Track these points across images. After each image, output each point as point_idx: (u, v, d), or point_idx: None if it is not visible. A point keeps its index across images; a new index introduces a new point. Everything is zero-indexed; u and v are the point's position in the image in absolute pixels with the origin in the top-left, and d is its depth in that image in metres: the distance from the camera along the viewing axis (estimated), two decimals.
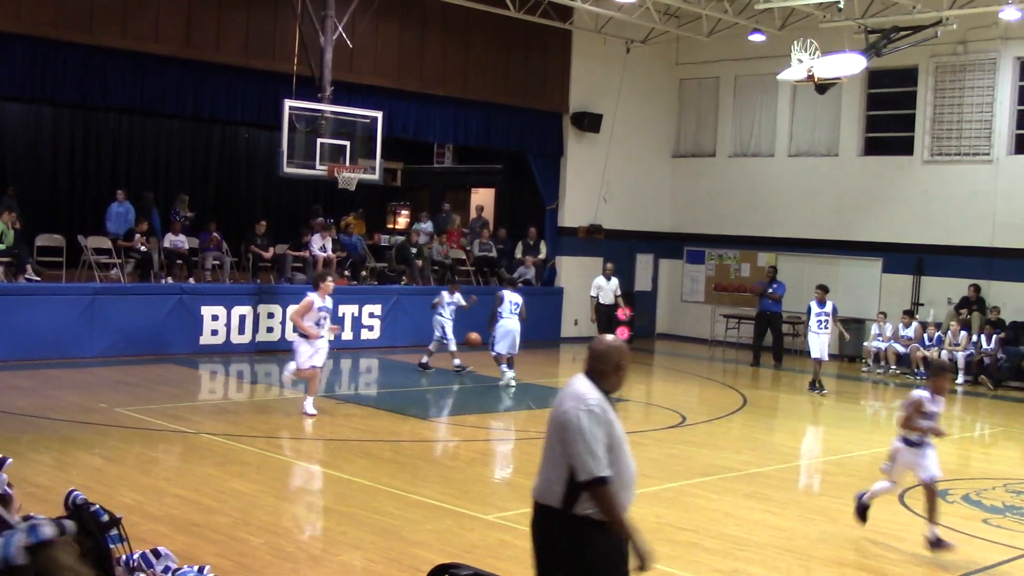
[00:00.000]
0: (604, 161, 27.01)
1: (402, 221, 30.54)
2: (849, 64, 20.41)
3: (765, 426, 16.57)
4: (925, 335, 23.16)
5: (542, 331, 25.54)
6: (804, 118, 26.91)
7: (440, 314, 19.70)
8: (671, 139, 29.10)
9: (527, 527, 9.66)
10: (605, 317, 22.86)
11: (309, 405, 14.49)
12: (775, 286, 23.90)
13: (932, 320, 23.61)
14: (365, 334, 22.60)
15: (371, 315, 22.71)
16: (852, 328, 24.85)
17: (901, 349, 23.42)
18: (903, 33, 21.56)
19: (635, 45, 26.85)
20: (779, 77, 21.15)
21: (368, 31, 22.06)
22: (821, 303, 19.65)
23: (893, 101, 25.72)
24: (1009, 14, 21.40)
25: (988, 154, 23.82)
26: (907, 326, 23.55)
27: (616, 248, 27.46)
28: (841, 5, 20.99)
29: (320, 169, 20.12)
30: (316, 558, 8.50)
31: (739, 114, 28.11)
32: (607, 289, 22.93)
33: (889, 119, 25.85)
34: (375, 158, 20.84)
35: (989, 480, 12.95)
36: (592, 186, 26.98)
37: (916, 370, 22.81)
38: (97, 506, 2.87)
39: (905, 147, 25.18)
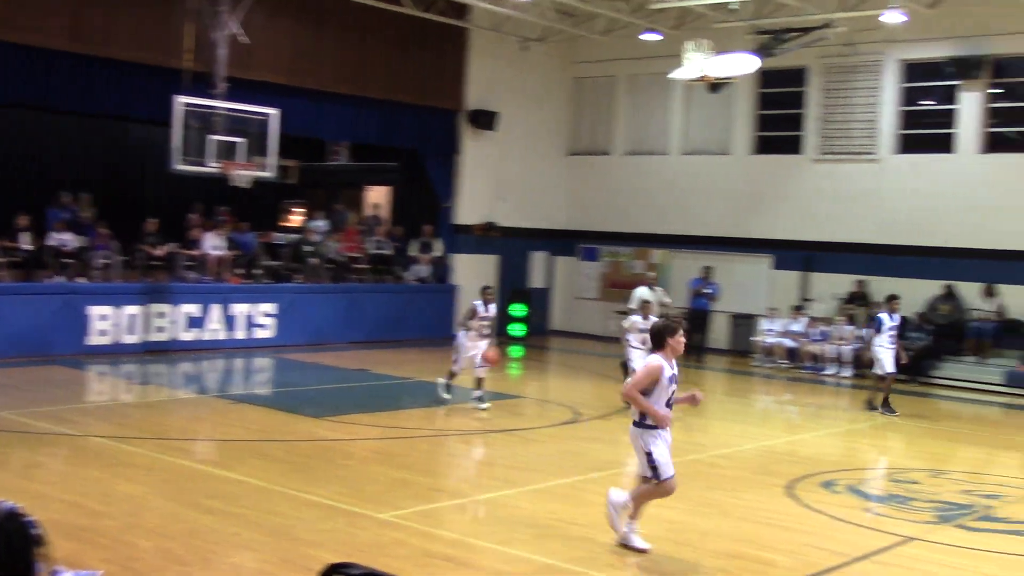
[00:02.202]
0: (500, 159, 27.10)
1: (297, 219, 30.19)
2: (741, 64, 20.77)
3: None
4: (813, 330, 23.71)
5: (437, 328, 25.57)
6: (697, 117, 27.31)
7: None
8: (567, 137, 29.29)
9: (422, 525, 9.70)
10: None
11: (637, 537, 9.22)
12: (711, 286, 24.19)
13: (820, 315, 24.16)
14: (259, 333, 22.35)
15: (265, 314, 22.47)
16: (742, 324, 25.34)
17: (790, 344, 23.92)
18: (793, 34, 22.01)
19: (531, 43, 26.95)
20: (673, 76, 21.42)
21: (263, 27, 21.79)
22: (893, 315, 18.19)
23: (783, 101, 26.24)
24: (891, 17, 21.98)
25: (874, 153, 24.46)
26: (796, 321, 24.09)
27: (511, 246, 27.58)
28: (734, 6, 21.36)
29: (214, 166, 19.83)
30: (207, 560, 8.39)
31: (634, 112, 28.42)
32: (653, 301, 20.21)
33: (779, 118, 26.36)
34: (270, 155, 20.60)
35: (873, 470, 13.30)
36: (488, 184, 27.04)
37: (805, 364, 23.35)
38: (31, 518, 2.67)
39: (795, 146, 25.73)
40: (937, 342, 22.59)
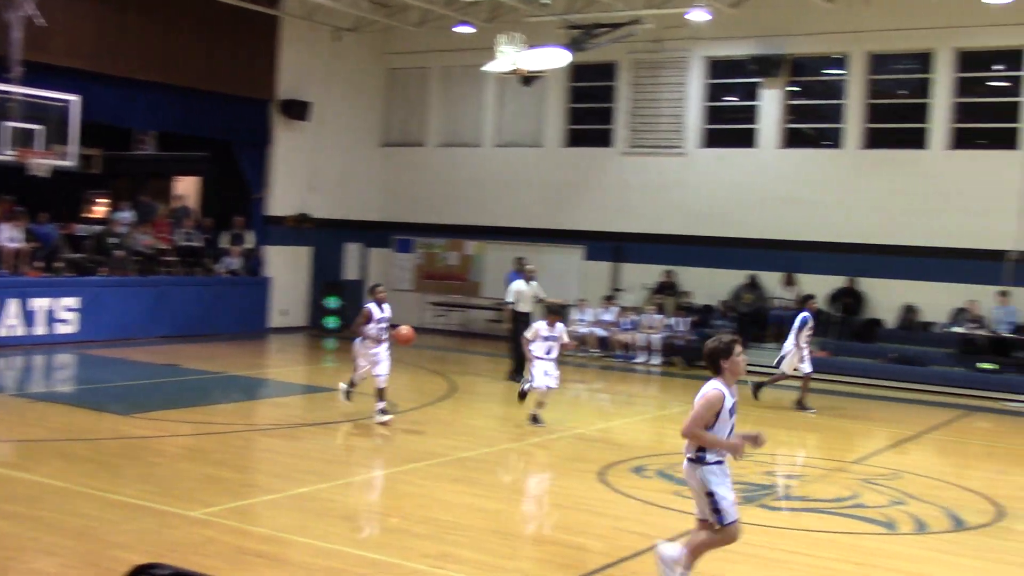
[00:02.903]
0: (313, 149, 26.76)
1: (101, 210, 29.17)
2: (553, 58, 21.02)
3: (472, 411, 16.88)
4: (623, 319, 24.27)
5: (249, 322, 25.15)
6: (510, 109, 27.57)
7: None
8: (380, 128, 29.14)
9: (235, 522, 9.51)
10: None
11: None
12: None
13: (630, 305, 24.74)
14: (61, 328, 21.48)
15: (67, 308, 21.61)
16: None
17: (601, 333, 24.41)
18: (603, 30, 22.41)
19: (344, 33, 26.70)
20: (486, 69, 21.54)
21: (63, 9, 20.93)
22: (814, 315, 18.21)
23: (594, 95, 26.74)
24: (697, 15, 22.68)
25: (681, 147, 25.18)
26: (607, 311, 24.61)
27: (325, 237, 27.28)
28: (546, 1, 21.61)
29: (9, 154, 18.94)
30: (5, 568, 8.01)
31: (447, 104, 28.49)
32: (526, 294, 19.63)
33: (590, 112, 26.86)
34: (71, 144, 19.81)
35: (681, 455, 13.67)
36: (300, 175, 26.67)
37: (616, 353, 23.87)
38: None
39: (605, 139, 26.27)
40: (741, 329, 23.40)
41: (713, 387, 7.70)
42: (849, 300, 23.16)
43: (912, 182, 22.88)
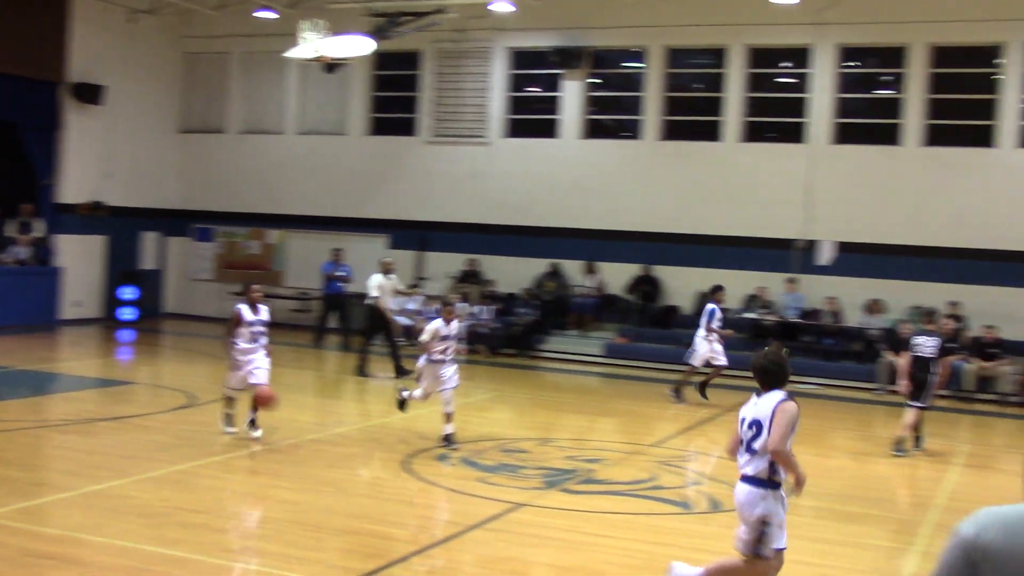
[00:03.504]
0: (107, 135, 25.80)
1: None
2: (357, 45, 20.90)
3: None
4: (428, 308, 24.30)
5: (39, 314, 24.11)
6: (313, 96, 27.22)
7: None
8: (178, 114, 28.32)
9: (22, 523, 9.11)
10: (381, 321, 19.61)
11: None
12: (344, 269, 23.94)
13: (435, 293, 24.79)
14: None
15: None
16: (356, 303, 25.56)
17: (407, 322, 24.37)
18: (407, 18, 22.40)
19: (139, 15, 25.83)
20: (287, 55, 21.23)
21: None
22: (720, 305, 18.28)
23: (398, 83, 26.65)
24: (500, 7, 22.89)
25: (484, 137, 25.38)
26: (411, 300, 24.58)
27: (121, 226, 26.37)
28: None
29: None
30: None
31: (248, 91, 27.92)
32: (387, 287, 19.42)
33: (394, 100, 26.76)
34: None
35: (485, 442, 13.84)
36: (94, 161, 25.68)
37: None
38: None
39: (409, 128, 26.24)
40: (543, 317, 23.82)
41: (784, 398, 7.18)
42: (646, 287, 23.80)
43: (706, 173, 23.68)
